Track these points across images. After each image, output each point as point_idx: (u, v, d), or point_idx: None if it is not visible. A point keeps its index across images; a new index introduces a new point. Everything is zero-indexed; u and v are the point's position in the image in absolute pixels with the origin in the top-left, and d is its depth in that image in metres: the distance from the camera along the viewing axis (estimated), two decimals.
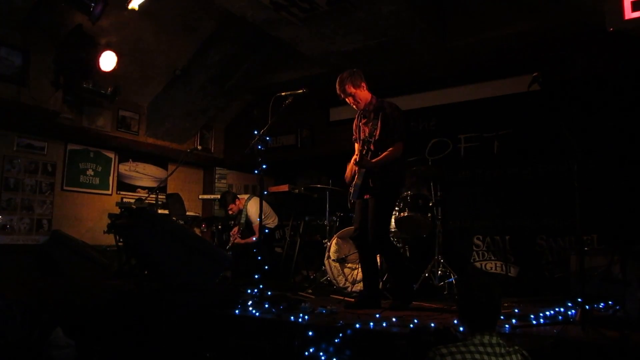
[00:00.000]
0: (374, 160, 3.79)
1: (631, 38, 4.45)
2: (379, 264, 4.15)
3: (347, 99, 3.94)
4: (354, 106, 3.99)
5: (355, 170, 3.93)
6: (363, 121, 4.00)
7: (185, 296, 3.89)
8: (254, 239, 5.88)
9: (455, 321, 2.96)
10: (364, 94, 3.91)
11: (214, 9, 5.94)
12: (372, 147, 3.83)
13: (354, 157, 3.94)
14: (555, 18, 5.02)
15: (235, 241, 6.03)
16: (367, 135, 3.87)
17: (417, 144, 6.11)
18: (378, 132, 3.81)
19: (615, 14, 3.56)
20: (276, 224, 6.36)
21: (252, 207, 6.02)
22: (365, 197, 3.90)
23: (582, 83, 5.36)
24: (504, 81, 5.81)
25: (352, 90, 3.86)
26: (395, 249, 4.16)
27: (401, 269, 3.92)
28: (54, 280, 5.21)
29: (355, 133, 4.12)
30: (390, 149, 3.80)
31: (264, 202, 6.16)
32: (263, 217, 6.08)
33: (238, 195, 6.37)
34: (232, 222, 6.37)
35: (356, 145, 4.12)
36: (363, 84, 3.89)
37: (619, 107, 5.11)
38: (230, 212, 6.30)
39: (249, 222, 6.08)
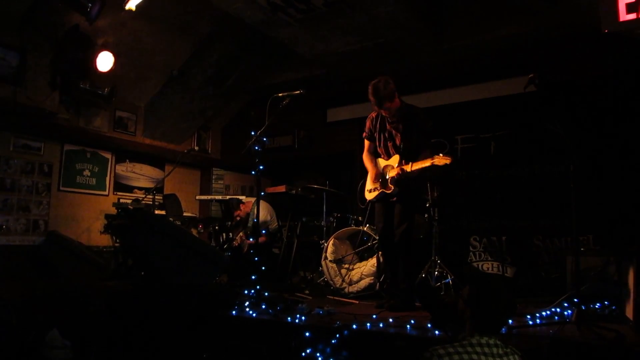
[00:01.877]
0: (410, 170, 3.76)
1: (627, 39, 4.47)
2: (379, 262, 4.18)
3: (379, 110, 3.92)
4: (384, 113, 3.96)
5: (381, 173, 3.96)
6: (391, 125, 3.97)
7: (182, 297, 3.88)
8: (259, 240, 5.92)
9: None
10: (396, 103, 3.89)
11: (211, 10, 5.93)
12: (404, 153, 3.86)
13: (374, 170, 4.00)
14: (551, 19, 5.04)
15: (248, 242, 6.02)
16: (398, 142, 3.90)
17: None
18: (411, 140, 3.83)
19: (611, 15, 3.57)
20: (277, 226, 6.37)
21: (261, 211, 6.03)
22: (392, 199, 3.92)
23: (578, 84, 5.38)
24: (501, 82, 5.83)
25: (389, 104, 3.84)
26: (415, 252, 4.15)
27: (413, 271, 3.95)
28: (50, 281, 5.19)
29: (370, 132, 4.12)
30: (423, 156, 3.79)
31: (270, 206, 6.20)
32: (269, 219, 6.12)
33: (243, 200, 6.37)
34: (230, 224, 6.37)
35: (367, 143, 4.16)
36: (396, 94, 3.86)
37: (615, 108, 5.14)
38: (237, 219, 6.29)
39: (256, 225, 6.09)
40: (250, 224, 6.04)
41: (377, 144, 4.10)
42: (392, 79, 3.85)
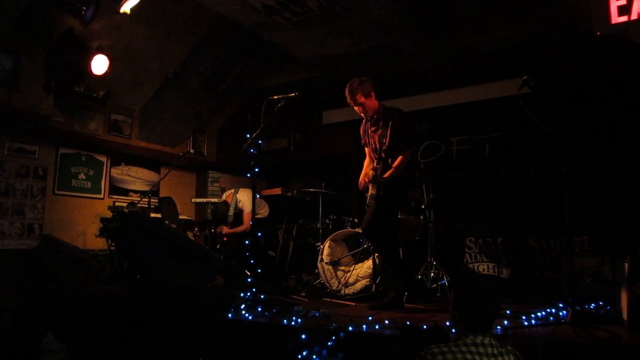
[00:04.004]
0: (386, 175, 3.85)
1: (620, 41, 4.50)
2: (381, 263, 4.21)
3: (355, 108, 3.99)
4: (362, 114, 4.05)
5: (368, 180, 3.99)
6: (372, 129, 4.04)
7: (178, 300, 3.88)
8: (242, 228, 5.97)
9: (448, 322, 2.97)
10: (373, 103, 3.95)
11: (207, 13, 5.94)
12: (382, 155, 3.89)
13: (366, 169, 4.02)
14: (545, 21, 5.06)
15: (224, 232, 6.04)
16: (377, 144, 3.94)
17: None
18: (387, 141, 3.85)
19: (603, 18, 3.59)
20: (268, 213, 6.35)
21: (244, 196, 6.05)
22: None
23: (572, 86, 5.41)
24: (496, 84, 5.85)
25: (363, 100, 3.90)
26: (392, 249, 4.15)
27: (397, 267, 3.97)
28: (45, 285, 5.17)
29: (364, 139, 4.19)
30: (400, 158, 3.85)
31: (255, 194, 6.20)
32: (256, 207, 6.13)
33: (224, 197, 6.37)
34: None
35: (366, 149, 4.22)
36: (372, 93, 3.94)
37: (608, 109, 5.17)
38: (231, 219, 6.32)
39: (238, 213, 6.09)
40: (231, 212, 6.05)
41: (366, 145, 4.19)
42: (370, 81, 3.93)
